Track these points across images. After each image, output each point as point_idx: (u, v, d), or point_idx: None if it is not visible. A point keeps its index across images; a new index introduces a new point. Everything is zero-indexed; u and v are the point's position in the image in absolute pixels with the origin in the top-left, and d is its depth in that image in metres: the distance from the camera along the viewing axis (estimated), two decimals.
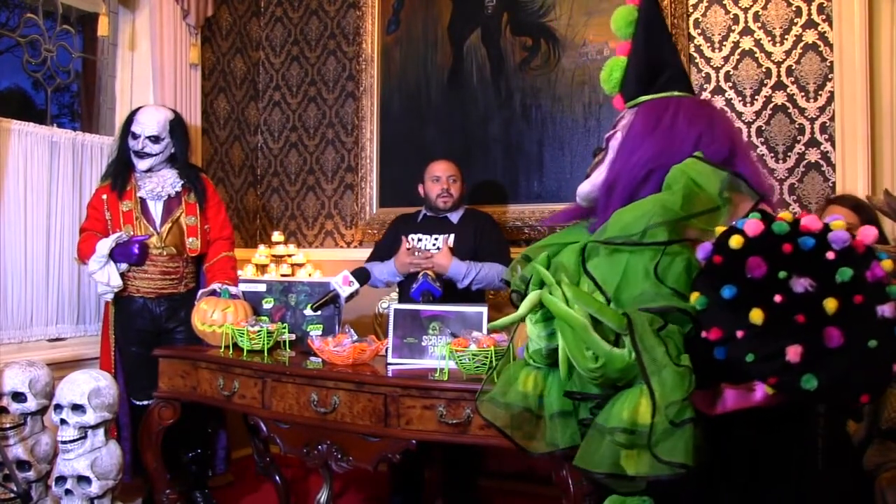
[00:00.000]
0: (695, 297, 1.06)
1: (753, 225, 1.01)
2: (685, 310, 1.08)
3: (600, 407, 1.16)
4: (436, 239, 2.99)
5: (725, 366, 1.03)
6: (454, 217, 3.06)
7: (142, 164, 3.05)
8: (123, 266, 2.97)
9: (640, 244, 1.12)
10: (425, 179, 3.09)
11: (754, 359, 0.97)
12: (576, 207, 1.44)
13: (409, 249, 2.89)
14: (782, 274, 0.98)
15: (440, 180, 3.02)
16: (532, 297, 1.19)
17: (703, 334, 1.04)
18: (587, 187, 1.36)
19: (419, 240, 3.01)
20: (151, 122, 3.04)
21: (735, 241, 1.01)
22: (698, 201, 1.17)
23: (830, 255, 0.98)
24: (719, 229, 1.08)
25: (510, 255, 3.00)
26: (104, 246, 2.90)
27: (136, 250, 2.94)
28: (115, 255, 2.93)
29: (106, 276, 2.92)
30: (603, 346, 1.08)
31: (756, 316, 0.97)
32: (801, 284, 0.97)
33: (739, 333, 0.98)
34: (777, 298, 0.97)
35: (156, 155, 3.05)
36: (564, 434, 1.25)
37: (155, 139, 3.03)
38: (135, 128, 3.04)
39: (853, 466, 1.74)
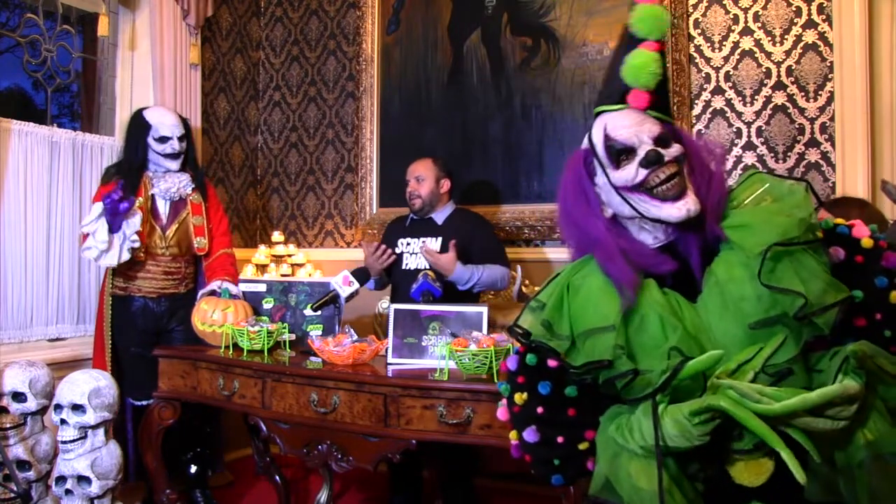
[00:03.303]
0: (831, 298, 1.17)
1: (862, 229, 1.26)
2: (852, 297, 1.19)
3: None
4: (422, 242, 2.96)
5: None
6: (439, 218, 3.01)
7: (174, 165, 3.04)
8: (126, 255, 2.83)
9: (814, 241, 1.20)
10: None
11: (891, 334, 1.20)
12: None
13: (370, 249, 2.88)
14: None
15: (409, 182, 3.01)
16: (709, 404, 1.10)
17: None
18: (693, 205, 1.24)
19: (408, 244, 3.00)
20: (175, 122, 3.05)
21: (867, 243, 1.25)
22: None
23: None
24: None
25: (506, 254, 3.00)
26: (99, 205, 2.76)
27: (122, 206, 2.71)
28: (105, 206, 2.72)
29: (94, 229, 2.74)
30: (851, 383, 1.09)
31: None
32: None
33: (878, 316, 1.20)
34: None
35: (184, 153, 3.07)
36: None
37: (181, 138, 3.05)
38: (164, 132, 3.00)
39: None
